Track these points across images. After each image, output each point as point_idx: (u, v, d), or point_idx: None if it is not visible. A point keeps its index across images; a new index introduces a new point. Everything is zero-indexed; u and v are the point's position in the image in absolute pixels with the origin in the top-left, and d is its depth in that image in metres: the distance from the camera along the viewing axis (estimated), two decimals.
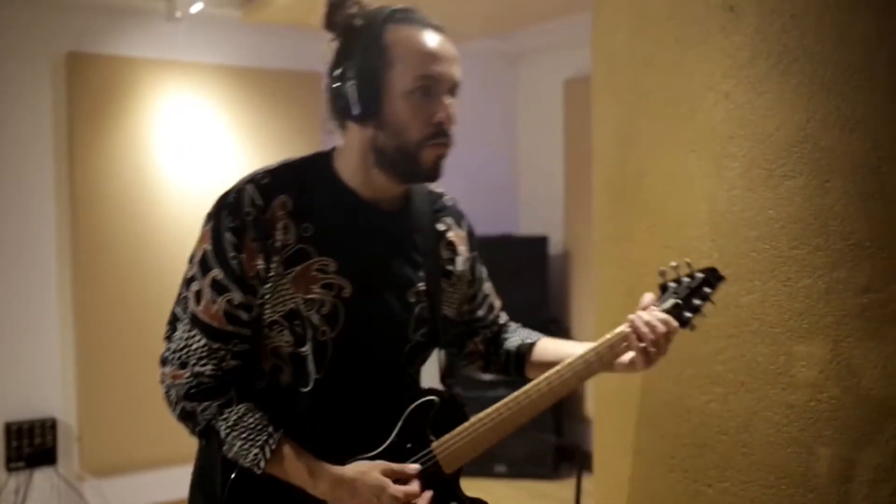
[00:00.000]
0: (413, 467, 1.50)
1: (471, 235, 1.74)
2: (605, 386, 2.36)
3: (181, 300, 1.50)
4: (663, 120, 2.12)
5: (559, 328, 5.28)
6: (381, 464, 1.48)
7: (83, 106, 4.24)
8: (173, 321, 1.51)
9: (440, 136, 1.48)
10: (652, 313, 1.54)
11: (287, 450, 1.47)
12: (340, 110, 1.49)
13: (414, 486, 1.49)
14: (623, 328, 1.55)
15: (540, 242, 5.31)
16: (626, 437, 2.24)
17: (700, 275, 1.60)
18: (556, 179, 5.49)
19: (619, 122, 2.27)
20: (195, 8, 3.99)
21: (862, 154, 1.83)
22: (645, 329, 1.51)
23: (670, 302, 1.58)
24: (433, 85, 1.46)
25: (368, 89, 1.44)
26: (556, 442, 4.81)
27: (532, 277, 5.18)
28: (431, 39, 1.46)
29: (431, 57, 1.45)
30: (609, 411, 2.36)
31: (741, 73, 1.95)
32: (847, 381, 1.84)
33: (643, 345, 1.51)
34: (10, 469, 4.09)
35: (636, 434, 2.20)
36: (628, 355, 1.56)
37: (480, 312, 1.79)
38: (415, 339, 1.57)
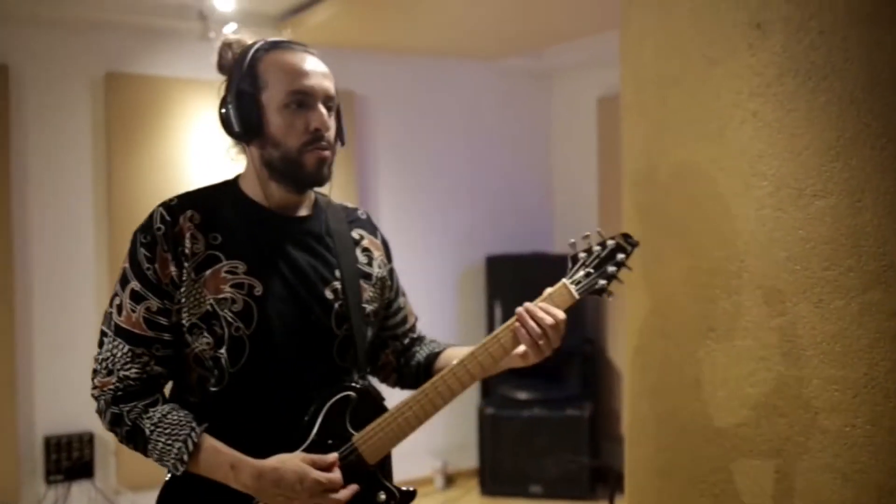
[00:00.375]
0: (332, 456, 1.56)
1: (386, 246, 1.87)
2: (636, 407, 2.33)
3: (106, 317, 1.61)
4: (690, 138, 2.09)
5: (594, 348, 5.24)
6: (301, 454, 1.55)
7: (120, 124, 4.31)
8: (101, 338, 1.61)
9: (317, 141, 1.60)
10: (538, 304, 1.61)
11: (209, 444, 1.54)
12: (229, 134, 1.64)
13: (336, 473, 1.55)
14: (511, 322, 1.63)
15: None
16: (657, 458, 2.20)
17: (611, 242, 1.68)
18: (591, 197, 5.46)
19: (646, 141, 2.25)
20: (228, 28, 4.04)
21: (894, 172, 1.79)
22: (531, 322, 1.59)
23: (581, 273, 1.65)
24: (304, 98, 1.59)
25: (247, 110, 1.59)
26: (591, 463, 4.76)
27: None
28: (300, 59, 1.61)
29: (300, 73, 1.59)
30: (640, 432, 2.32)
31: (769, 90, 1.92)
32: (882, 405, 1.79)
33: (531, 338, 1.59)
34: (49, 482, 4.16)
35: (666, 456, 2.17)
36: (521, 348, 1.64)
37: (392, 321, 1.87)
38: (341, 334, 1.65)
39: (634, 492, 2.36)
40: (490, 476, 4.95)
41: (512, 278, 4.95)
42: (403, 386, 1.90)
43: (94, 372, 1.60)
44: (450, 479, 5.27)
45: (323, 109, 1.61)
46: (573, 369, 5.10)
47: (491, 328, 5.17)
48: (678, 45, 2.13)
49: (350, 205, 1.85)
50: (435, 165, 5.38)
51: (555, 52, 5.48)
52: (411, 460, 5.19)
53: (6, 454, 4.04)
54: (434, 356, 1.84)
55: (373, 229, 1.84)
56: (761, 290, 1.93)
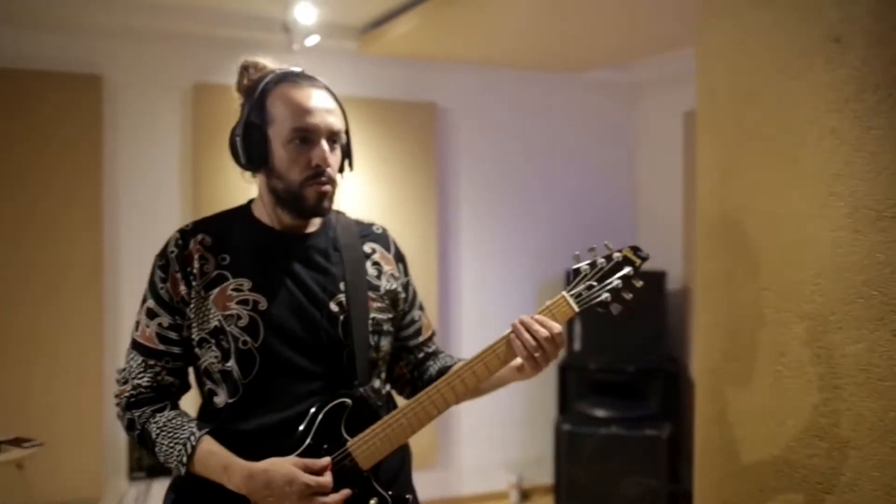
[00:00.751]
0: (324, 460, 1.60)
1: (400, 260, 1.88)
2: (705, 432, 2.25)
3: (130, 336, 1.73)
4: (765, 156, 2.02)
5: (676, 366, 5.11)
6: (293, 458, 1.59)
7: (207, 132, 4.44)
8: (126, 356, 1.73)
9: (318, 176, 1.67)
10: (534, 316, 1.62)
11: (206, 447, 1.62)
12: (237, 163, 1.73)
13: (326, 477, 1.59)
14: (508, 333, 1.64)
15: (658, 278, 5.15)
16: (725, 487, 2.13)
17: (617, 254, 1.66)
18: (676, 213, 5.33)
19: (720, 158, 2.18)
20: (311, 41, 4.12)
21: None
22: (526, 334, 1.60)
23: (582, 286, 1.64)
24: (307, 135, 1.66)
25: (253, 143, 1.67)
26: (669, 487, 4.63)
27: (650, 314, 5.04)
28: (305, 95, 1.67)
29: (305, 111, 1.66)
30: (708, 459, 2.25)
31: (847, 107, 1.83)
32: None
33: (526, 350, 1.60)
34: (131, 479, 4.32)
35: (734, 485, 2.09)
36: (518, 361, 1.65)
37: (404, 333, 1.89)
38: (346, 344, 1.70)
39: None
40: (566, 493, 4.87)
41: None
42: None
43: (116, 382, 1.75)
44: (525, 495, 5.22)
45: (325, 146, 1.67)
46: (654, 388, 4.99)
47: (570, 342, 5.11)
48: (753, 59, 2.06)
49: (366, 220, 1.89)
50: (516, 178, 5.35)
51: (641, 65, 5.39)
52: (486, 474, 5.20)
53: (92, 452, 4.20)
54: (445, 369, 1.85)
55: (387, 244, 1.87)
56: (835, 316, 1.84)
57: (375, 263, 1.81)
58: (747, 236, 2.06)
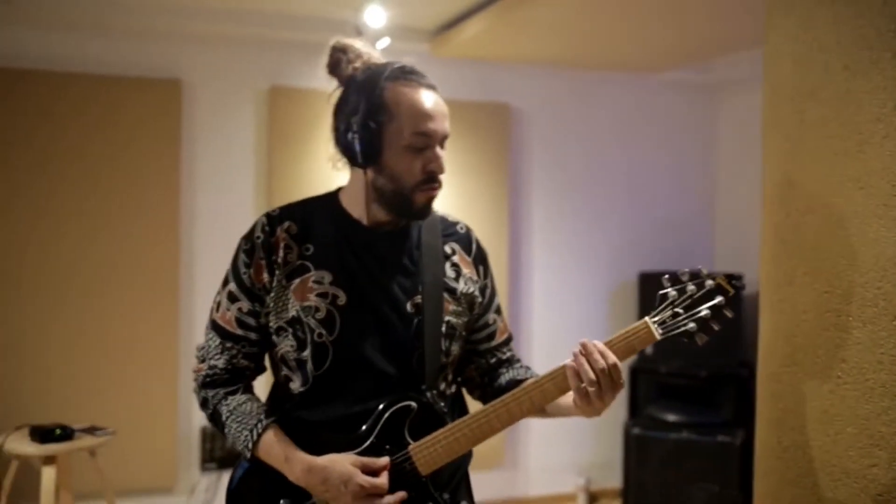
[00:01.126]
0: (383, 460, 1.61)
1: (480, 262, 1.84)
2: (765, 437, 2.19)
3: (210, 313, 1.76)
4: (828, 154, 1.95)
5: (751, 372, 4.98)
6: (353, 456, 1.61)
7: (282, 134, 4.54)
8: (205, 333, 1.77)
9: (431, 181, 1.66)
10: (595, 343, 1.52)
11: (270, 436, 1.65)
12: (346, 157, 1.69)
13: (382, 478, 1.59)
14: (567, 362, 1.56)
15: (735, 281, 5.03)
16: (782, 495, 2.07)
17: (710, 282, 1.55)
18: (754, 215, 5.18)
19: (784, 157, 2.12)
20: (382, 43, 4.16)
21: None
22: (583, 361, 1.52)
23: (668, 312, 1.54)
24: (427, 140, 1.64)
25: (369, 142, 1.63)
26: (740, 495, 4.51)
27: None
28: (427, 98, 1.65)
29: (426, 115, 1.63)
30: (767, 465, 2.19)
31: None
32: None
33: (579, 380, 1.52)
34: (203, 469, 4.44)
35: (792, 493, 2.03)
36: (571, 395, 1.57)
37: (476, 336, 1.84)
38: (418, 347, 1.68)
39: None
40: (634, 497, 4.81)
41: None
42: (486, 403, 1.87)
43: (195, 358, 1.78)
44: (593, 498, 5.17)
45: (440, 151, 1.66)
46: (727, 393, 4.87)
47: None
48: (817, 55, 2.00)
49: (452, 217, 1.86)
50: (589, 179, 5.30)
51: (720, 65, 5.26)
52: (554, 476, 5.17)
53: (166, 443, 4.34)
54: (516, 382, 1.78)
55: (468, 245, 1.84)
56: None
57: (454, 265, 1.79)
58: (809, 237, 2.00)
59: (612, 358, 1.51)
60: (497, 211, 4.99)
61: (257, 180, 4.58)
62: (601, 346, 1.53)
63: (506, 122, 5.04)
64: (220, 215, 4.49)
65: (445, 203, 4.80)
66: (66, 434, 3.38)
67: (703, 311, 1.54)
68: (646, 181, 5.42)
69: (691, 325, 1.54)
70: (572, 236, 5.25)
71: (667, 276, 1.58)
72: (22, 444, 3.35)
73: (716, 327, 1.55)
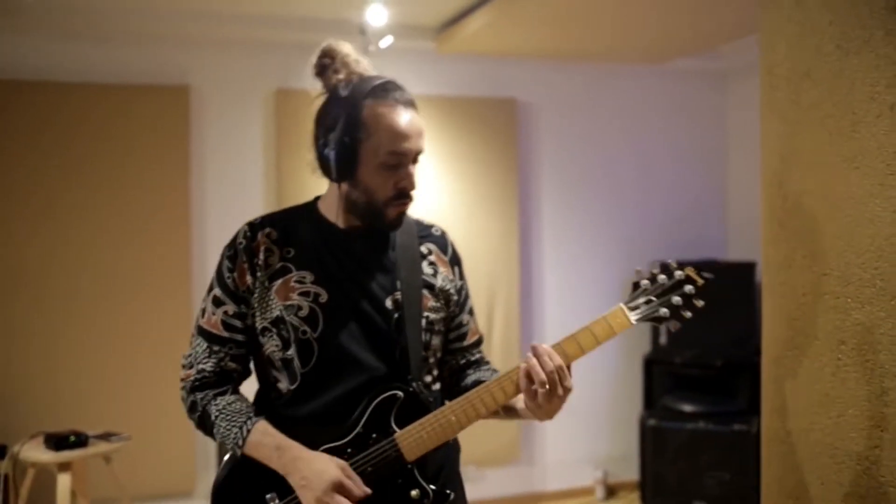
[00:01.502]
0: (365, 490, 1.63)
1: (456, 264, 1.89)
2: (770, 423, 2.18)
3: (195, 321, 1.80)
4: (823, 135, 1.94)
5: None
6: (344, 463, 1.63)
7: (290, 136, 4.55)
8: (190, 339, 1.80)
9: (403, 197, 1.72)
10: (543, 346, 1.60)
11: (261, 429, 1.68)
12: (322, 169, 1.75)
13: (360, 490, 1.61)
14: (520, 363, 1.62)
15: (748, 269, 4.99)
16: (788, 479, 2.06)
17: (679, 273, 1.64)
18: None
19: (779, 140, 2.11)
20: (385, 42, 4.16)
21: None
22: (536, 369, 1.58)
23: (642, 299, 1.62)
24: (401, 159, 1.69)
25: (345, 158, 1.68)
26: (754, 485, 4.48)
27: (738, 306, 4.89)
28: (402, 118, 1.68)
29: (402, 136, 1.68)
30: (772, 450, 2.18)
31: None
32: None
33: (533, 385, 1.58)
34: None
35: (797, 477, 2.02)
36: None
37: (450, 336, 1.88)
38: (399, 341, 1.73)
39: None
40: (651, 489, 4.79)
41: None
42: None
43: (182, 366, 1.80)
44: (611, 490, 5.15)
45: (413, 168, 1.71)
46: (742, 382, 4.84)
47: (655, 335, 5.01)
48: (811, 36, 1.99)
49: (426, 221, 1.90)
50: (599, 171, 5.28)
51: (731, 50, 5.22)
52: (572, 469, 5.16)
53: (183, 447, 4.36)
54: (479, 383, 1.79)
55: (444, 247, 1.88)
56: None
57: (432, 263, 1.83)
58: (807, 220, 1.99)
59: (559, 360, 1.60)
60: (507, 206, 4.98)
61: (267, 183, 4.61)
62: (549, 348, 1.61)
63: (513, 116, 5.03)
64: (230, 219, 4.46)
65: (455, 200, 4.85)
66: (81, 441, 3.42)
67: (675, 298, 1.62)
68: (656, 171, 5.40)
69: (663, 310, 1.63)
70: (583, 229, 5.23)
71: (639, 268, 1.67)
72: (37, 452, 3.39)
73: (687, 314, 1.62)
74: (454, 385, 1.90)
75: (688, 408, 4.78)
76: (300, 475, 1.62)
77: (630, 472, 5.14)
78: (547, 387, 1.57)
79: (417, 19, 4.50)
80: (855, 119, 1.85)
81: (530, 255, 5.11)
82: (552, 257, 5.16)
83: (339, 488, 1.59)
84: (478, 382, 1.80)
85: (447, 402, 1.70)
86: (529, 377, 1.59)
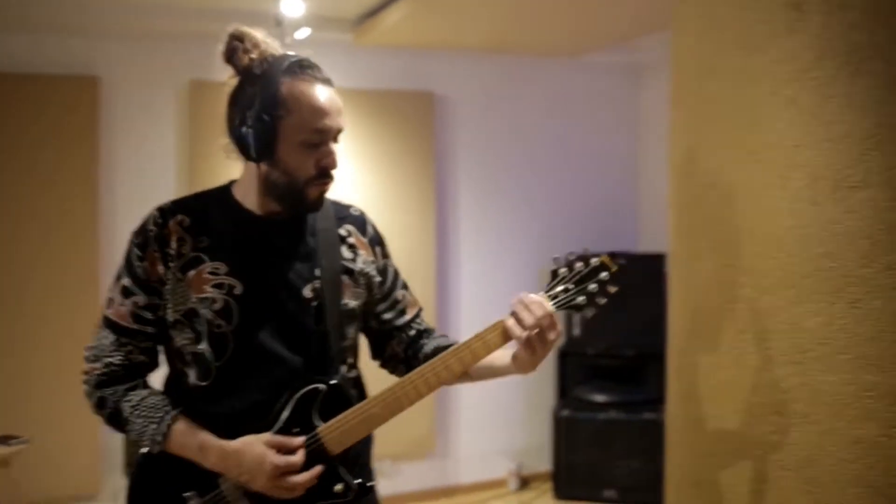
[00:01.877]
0: (299, 439, 1.61)
1: (377, 244, 1.86)
2: (674, 412, 2.23)
3: (101, 313, 1.71)
4: (727, 129, 1.99)
5: None
6: (267, 436, 1.60)
7: (204, 128, 4.43)
8: (95, 331, 1.72)
9: (324, 176, 1.66)
10: (528, 296, 1.59)
11: (182, 426, 1.63)
12: (239, 149, 1.67)
13: (298, 456, 1.60)
14: (497, 321, 1.62)
15: (657, 260, 5.10)
16: (692, 467, 2.10)
17: (595, 260, 1.65)
18: None
19: (686, 134, 2.15)
20: (301, 34, 4.10)
21: None
22: (525, 313, 1.57)
23: (560, 287, 1.64)
24: (322, 136, 1.63)
25: (264, 137, 1.61)
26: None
27: (649, 297, 4.98)
28: (322, 94, 1.63)
29: (322, 112, 1.62)
30: (676, 439, 2.23)
31: (807, 75, 1.80)
32: None
33: (521, 329, 1.57)
34: (128, 473, 4.22)
35: (701, 464, 2.07)
36: (507, 354, 1.63)
37: (389, 315, 1.86)
38: (318, 330, 1.69)
39: (672, 502, 2.26)
40: (564, 479, 4.85)
41: None
42: None
43: (85, 359, 1.71)
44: (524, 482, 5.19)
45: (334, 146, 1.66)
46: (653, 371, 4.93)
47: (569, 328, 5.08)
48: (717, 31, 2.03)
49: (345, 202, 1.87)
50: (516, 165, 5.32)
51: (646, 45, 5.31)
52: (487, 461, 5.19)
53: (88, 448, 4.18)
54: (442, 349, 1.78)
55: (363, 227, 1.84)
56: (795, 290, 1.81)
57: (351, 246, 1.80)
58: (711, 211, 2.04)
59: (549, 306, 1.59)
60: (423, 198, 4.97)
61: (179, 177, 4.48)
62: (536, 296, 1.61)
63: (430, 109, 5.01)
64: (140, 213, 4.35)
65: (371, 193, 4.81)
66: None
67: (591, 285, 1.63)
68: (571, 164, 5.46)
69: (580, 298, 1.63)
70: (500, 222, 5.26)
71: (556, 255, 1.68)
72: None
73: (601, 301, 1.63)
74: (413, 357, 1.86)
75: (600, 398, 4.86)
76: (238, 472, 1.59)
77: (544, 463, 5.19)
78: (537, 330, 1.57)
79: (335, 11, 4.43)
80: (757, 113, 1.90)
81: (447, 248, 5.11)
82: (469, 249, 5.17)
83: (283, 470, 1.57)
84: (438, 349, 1.77)
85: (401, 378, 1.66)
86: (520, 325, 1.58)
